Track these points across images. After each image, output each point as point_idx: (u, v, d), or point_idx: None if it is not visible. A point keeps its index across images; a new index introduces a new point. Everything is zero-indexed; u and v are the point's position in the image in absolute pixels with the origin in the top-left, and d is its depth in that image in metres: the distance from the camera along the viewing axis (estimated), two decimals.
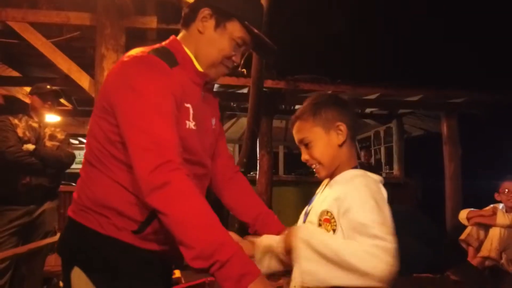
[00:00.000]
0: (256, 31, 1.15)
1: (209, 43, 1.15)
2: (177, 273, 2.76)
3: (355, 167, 1.16)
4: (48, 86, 3.03)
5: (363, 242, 0.97)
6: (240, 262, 0.90)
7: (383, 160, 8.40)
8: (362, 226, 0.99)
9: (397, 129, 7.45)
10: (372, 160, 8.56)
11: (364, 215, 1.00)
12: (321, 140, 1.15)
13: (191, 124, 1.11)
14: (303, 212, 1.23)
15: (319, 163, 1.16)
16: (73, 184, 5.63)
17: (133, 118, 1.01)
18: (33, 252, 2.75)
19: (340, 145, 1.15)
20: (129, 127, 1.01)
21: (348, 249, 0.98)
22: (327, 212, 1.09)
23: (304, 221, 1.18)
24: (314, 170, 1.19)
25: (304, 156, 1.19)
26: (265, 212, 1.34)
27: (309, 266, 1.01)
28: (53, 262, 3.57)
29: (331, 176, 1.18)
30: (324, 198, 1.14)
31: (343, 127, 1.14)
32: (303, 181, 6.82)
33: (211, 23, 1.15)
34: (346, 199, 1.05)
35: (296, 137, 1.20)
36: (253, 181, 5.32)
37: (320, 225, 1.10)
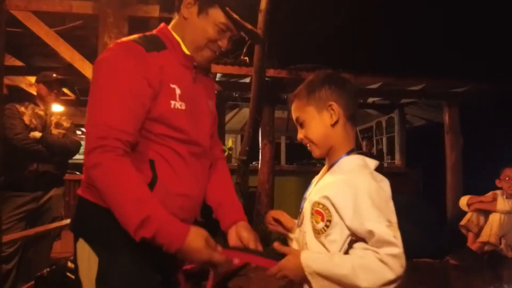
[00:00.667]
0: (236, 17, 1.20)
1: (193, 28, 1.22)
2: None
3: (352, 150, 1.16)
4: (54, 75, 3.08)
5: (372, 255, 0.98)
6: (164, 232, 1.01)
7: (384, 150, 8.42)
8: (371, 235, 0.99)
9: (399, 119, 7.47)
10: (374, 150, 8.58)
11: (371, 222, 1.00)
12: (313, 119, 1.15)
13: (177, 104, 1.16)
14: (303, 197, 1.24)
15: (312, 142, 1.17)
16: (78, 173, 5.69)
17: (93, 96, 1.10)
18: (40, 236, 2.81)
19: (333, 125, 1.14)
20: (88, 103, 1.10)
21: (360, 272, 0.98)
22: (319, 204, 1.09)
23: (302, 207, 1.20)
24: (309, 149, 1.21)
25: (299, 135, 1.20)
26: (230, 201, 1.34)
27: None
28: (59, 249, 3.65)
29: (328, 157, 1.18)
30: (320, 187, 1.14)
31: (335, 106, 1.13)
32: (305, 171, 6.86)
33: (195, 9, 1.21)
34: (345, 202, 1.04)
35: (293, 116, 1.21)
36: (255, 171, 5.35)
37: (312, 214, 1.11)
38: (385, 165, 7.64)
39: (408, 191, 6.36)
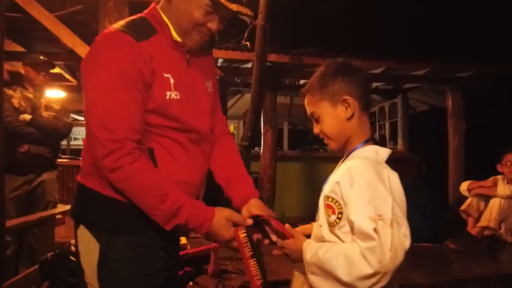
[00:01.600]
0: None
1: (177, 12, 1.16)
2: (183, 240, 2.87)
3: (368, 140, 1.15)
4: (41, 57, 3.06)
5: (356, 247, 0.97)
6: (194, 217, 1.10)
7: (387, 136, 8.41)
8: (353, 226, 1.00)
9: (402, 105, 7.42)
10: (376, 136, 8.59)
11: (355, 212, 1.00)
12: (328, 114, 1.15)
13: (173, 94, 1.14)
14: (322, 188, 1.24)
15: (328, 137, 1.17)
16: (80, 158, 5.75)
17: (92, 96, 1.08)
18: (38, 222, 2.83)
19: (349, 119, 1.13)
20: (86, 103, 1.08)
21: (341, 262, 0.99)
22: (328, 197, 1.09)
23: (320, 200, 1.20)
24: (326, 142, 1.20)
25: (315, 130, 1.20)
26: (238, 177, 1.35)
27: (316, 281, 1.06)
28: (64, 233, 3.70)
29: (346, 148, 1.18)
30: (331, 179, 1.14)
31: (350, 100, 1.12)
32: (308, 156, 6.89)
33: None
34: (345, 189, 1.04)
35: (307, 111, 1.20)
36: (257, 157, 5.37)
37: (324, 207, 1.11)
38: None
39: (410, 176, 6.39)
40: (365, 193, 1.01)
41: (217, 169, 1.36)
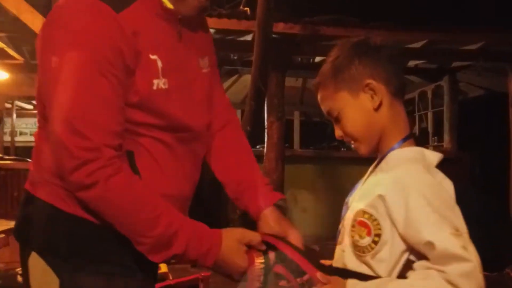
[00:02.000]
0: None
1: None
2: (163, 268, 2.88)
3: (407, 137, 1.15)
4: None
5: (438, 277, 0.94)
6: (196, 244, 1.08)
7: (430, 130, 8.43)
8: (431, 249, 0.96)
9: (449, 89, 7.44)
10: (416, 130, 8.60)
11: (430, 230, 0.97)
12: (349, 108, 1.14)
13: (160, 82, 1.11)
14: (344, 202, 1.22)
15: (354, 138, 1.16)
16: (29, 160, 5.75)
17: (56, 84, 1.03)
18: None
19: (377, 109, 1.13)
20: (49, 95, 1.05)
21: None
22: (364, 212, 1.08)
23: (343, 216, 1.19)
24: (353, 147, 1.19)
25: (337, 132, 1.19)
26: (250, 180, 1.33)
27: None
28: (7, 257, 3.71)
29: (379, 150, 1.17)
30: (366, 191, 1.14)
31: (374, 84, 1.12)
32: (325, 157, 6.90)
33: None
34: (397, 204, 1.02)
35: (322, 109, 1.20)
36: (259, 157, 5.38)
37: (353, 226, 1.10)
38: (431, 148, 7.64)
39: (460, 180, 6.35)
40: (432, 205, 1.00)
41: (223, 173, 1.35)
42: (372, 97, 1.13)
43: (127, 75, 1.07)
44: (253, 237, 1.16)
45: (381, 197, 1.05)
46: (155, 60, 1.11)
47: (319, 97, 1.20)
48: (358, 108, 1.14)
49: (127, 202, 1.05)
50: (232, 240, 1.12)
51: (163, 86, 1.12)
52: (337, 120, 1.17)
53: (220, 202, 5.00)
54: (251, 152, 1.41)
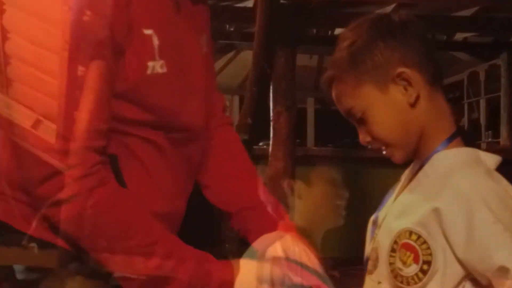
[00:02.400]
0: None
1: None
2: None
3: (453, 136, 1.16)
4: None
5: None
6: (201, 280, 1.07)
7: (482, 122, 8.45)
8: (506, 276, 0.97)
9: (507, 69, 7.46)
10: (465, 122, 8.62)
11: (503, 254, 0.98)
12: (377, 105, 1.15)
13: (156, 65, 1.11)
14: (371, 220, 1.26)
15: (387, 144, 1.17)
16: None
17: (23, 64, 1.02)
18: None
19: (413, 104, 1.14)
20: (9, 75, 1.02)
21: None
22: (411, 233, 1.08)
23: (372, 237, 1.21)
24: (385, 155, 1.20)
25: (361, 138, 1.20)
26: (253, 205, 1.33)
27: None
28: None
29: (418, 153, 1.18)
30: (408, 202, 1.15)
31: (408, 73, 1.13)
32: (348, 157, 6.89)
33: None
34: (456, 221, 1.03)
35: (341, 109, 1.20)
36: (263, 157, 5.35)
37: (393, 250, 1.11)
38: (484, 145, 7.65)
39: None
40: (502, 221, 1.01)
41: (218, 194, 1.37)
42: (406, 89, 1.13)
43: (117, 56, 1.06)
44: (276, 271, 1.13)
45: (436, 211, 1.05)
46: (150, 36, 1.10)
47: (334, 94, 1.20)
48: (389, 104, 1.15)
49: (113, 224, 1.05)
50: (247, 273, 1.11)
51: (159, 70, 1.11)
52: (362, 122, 1.17)
53: (212, 216, 5.02)
54: (250, 164, 1.42)
